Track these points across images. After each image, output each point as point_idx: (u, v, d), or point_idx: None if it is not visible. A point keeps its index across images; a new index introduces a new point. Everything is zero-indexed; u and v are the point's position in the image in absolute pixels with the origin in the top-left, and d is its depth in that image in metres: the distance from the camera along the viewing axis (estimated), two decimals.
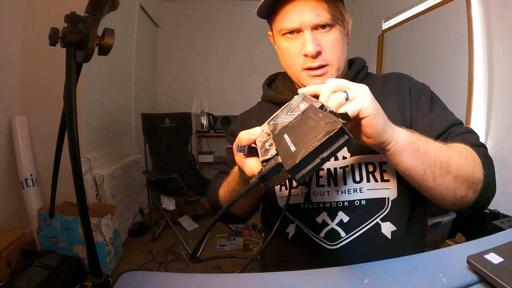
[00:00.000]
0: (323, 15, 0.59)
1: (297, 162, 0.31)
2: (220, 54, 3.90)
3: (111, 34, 0.40)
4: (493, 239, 0.43)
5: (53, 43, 0.37)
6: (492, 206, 1.64)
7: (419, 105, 0.64)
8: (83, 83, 2.01)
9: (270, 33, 0.71)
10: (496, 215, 1.60)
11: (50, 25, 0.39)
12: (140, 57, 3.13)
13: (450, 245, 1.64)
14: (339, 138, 0.31)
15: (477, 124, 1.87)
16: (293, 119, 0.39)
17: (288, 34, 0.63)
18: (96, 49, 0.39)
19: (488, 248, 0.37)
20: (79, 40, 0.37)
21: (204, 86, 3.89)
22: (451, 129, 0.61)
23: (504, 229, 1.07)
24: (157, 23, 3.70)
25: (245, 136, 0.44)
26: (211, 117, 3.49)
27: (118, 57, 2.64)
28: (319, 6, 0.59)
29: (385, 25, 2.92)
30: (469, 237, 1.69)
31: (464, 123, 0.65)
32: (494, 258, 0.35)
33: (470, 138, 0.58)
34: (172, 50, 3.85)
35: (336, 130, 0.30)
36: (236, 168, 0.55)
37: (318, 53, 0.61)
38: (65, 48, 0.37)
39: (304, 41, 0.60)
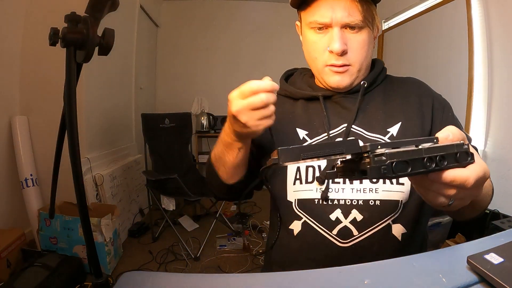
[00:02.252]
0: (355, 16, 0.59)
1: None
2: (220, 54, 3.90)
3: (111, 34, 0.40)
4: (493, 239, 0.43)
5: (53, 43, 0.37)
6: (492, 206, 1.64)
7: (444, 118, 0.66)
8: (83, 83, 2.01)
9: (297, 23, 0.71)
10: (496, 215, 1.60)
11: (50, 25, 0.39)
12: (140, 57, 3.13)
13: (450, 245, 1.64)
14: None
15: (477, 124, 1.87)
16: None
17: (317, 28, 0.63)
18: (96, 49, 0.39)
19: (488, 248, 0.37)
20: (79, 40, 0.37)
21: (204, 86, 3.89)
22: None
23: (504, 229, 1.07)
24: (157, 23, 3.70)
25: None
26: (211, 117, 3.50)
27: (118, 57, 2.64)
28: (352, 6, 0.59)
29: (385, 25, 2.92)
30: (469, 237, 1.69)
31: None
32: (494, 258, 0.35)
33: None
34: (172, 50, 3.85)
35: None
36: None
37: (344, 52, 0.61)
38: (65, 48, 0.37)
39: (332, 38, 0.61)
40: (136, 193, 2.70)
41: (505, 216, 1.58)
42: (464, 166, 0.35)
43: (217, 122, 3.49)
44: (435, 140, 0.36)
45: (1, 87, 1.86)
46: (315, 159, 0.34)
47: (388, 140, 0.63)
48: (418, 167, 0.34)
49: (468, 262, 0.36)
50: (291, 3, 0.66)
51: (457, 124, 0.67)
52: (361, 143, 0.34)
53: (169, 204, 2.32)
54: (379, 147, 0.33)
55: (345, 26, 0.60)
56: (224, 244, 2.25)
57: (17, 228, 1.80)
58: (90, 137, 2.18)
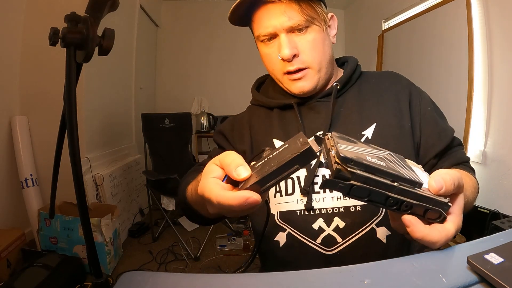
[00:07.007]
0: (296, 17, 0.58)
1: (264, 175, 0.33)
2: (220, 54, 3.90)
3: (111, 34, 0.40)
4: (493, 239, 0.43)
5: (53, 43, 0.37)
6: (492, 206, 1.64)
7: (422, 113, 0.65)
8: (83, 83, 2.02)
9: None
10: (496, 215, 1.60)
11: (50, 25, 0.39)
12: (140, 57, 3.13)
13: (450, 245, 1.63)
14: (307, 156, 0.33)
15: (477, 124, 1.87)
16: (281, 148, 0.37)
17: (266, 40, 0.62)
18: (96, 49, 0.39)
19: (488, 248, 0.37)
20: (79, 40, 0.37)
21: (204, 86, 3.89)
22: (453, 141, 0.66)
23: (504, 229, 1.07)
24: (157, 23, 3.70)
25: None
26: (211, 117, 3.49)
27: (118, 57, 2.64)
28: (290, 9, 0.58)
29: (385, 25, 2.92)
30: (469, 237, 1.69)
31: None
32: (494, 258, 0.35)
33: (462, 153, 0.66)
34: (172, 50, 3.85)
35: (304, 150, 0.32)
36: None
37: (295, 56, 0.60)
38: (65, 48, 0.37)
39: (280, 45, 0.60)
40: (136, 193, 2.70)
41: (505, 216, 1.58)
42: (429, 223, 0.36)
43: (217, 122, 3.49)
44: (417, 186, 0.35)
45: (1, 87, 1.86)
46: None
47: None
48: (377, 199, 0.34)
49: (468, 262, 0.35)
50: (232, 23, 0.64)
51: (435, 116, 0.65)
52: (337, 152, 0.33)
53: (169, 204, 2.32)
54: (352, 162, 0.32)
55: (291, 30, 0.60)
56: (224, 244, 2.26)
57: (17, 228, 1.80)
58: (90, 137, 2.18)
